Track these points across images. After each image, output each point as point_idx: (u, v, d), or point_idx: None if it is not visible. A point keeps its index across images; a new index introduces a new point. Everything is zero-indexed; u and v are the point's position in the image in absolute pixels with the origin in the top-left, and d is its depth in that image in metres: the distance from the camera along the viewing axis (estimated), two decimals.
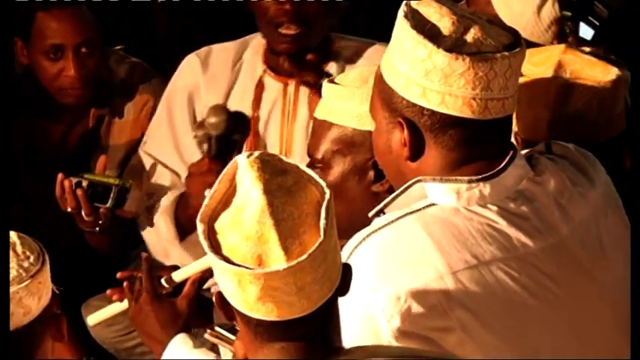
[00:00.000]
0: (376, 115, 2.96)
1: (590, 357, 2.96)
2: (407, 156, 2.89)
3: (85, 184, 3.97)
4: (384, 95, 2.91)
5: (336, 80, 3.30)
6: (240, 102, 4.20)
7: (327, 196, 2.50)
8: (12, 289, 2.85)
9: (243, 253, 2.47)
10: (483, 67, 2.82)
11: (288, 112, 4.11)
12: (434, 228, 2.82)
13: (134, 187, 4.11)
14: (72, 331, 3.94)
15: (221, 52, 4.36)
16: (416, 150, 2.88)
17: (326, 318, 2.56)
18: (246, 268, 2.46)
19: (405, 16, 2.84)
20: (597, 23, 4.13)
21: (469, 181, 2.85)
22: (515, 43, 2.88)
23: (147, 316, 3.24)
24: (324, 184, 2.54)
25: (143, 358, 3.99)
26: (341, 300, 2.78)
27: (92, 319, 3.62)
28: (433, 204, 2.86)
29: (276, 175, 2.51)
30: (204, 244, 2.51)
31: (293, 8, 4.05)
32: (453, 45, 2.82)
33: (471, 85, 2.82)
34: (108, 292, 3.56)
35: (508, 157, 2.88)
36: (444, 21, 2.85)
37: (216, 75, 4.31)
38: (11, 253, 2.90)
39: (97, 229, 3.98)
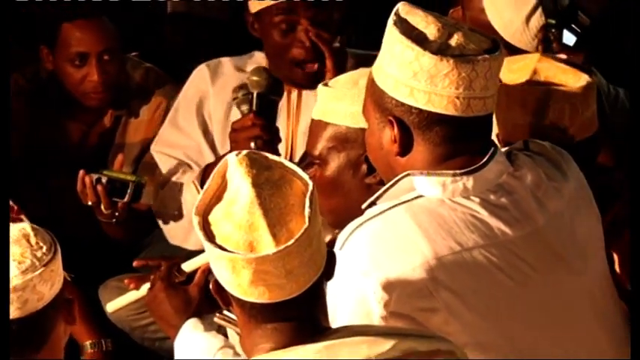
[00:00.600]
0: (369, 116, 2.99)
1: (562, 335, 2.97)
2: (397, 152, 2.92)
3: (104, 180, 3.97)
4: (375, 97, 2.94)
5: (329, 84, 3.33)
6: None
7: (310, 187, 2.54)
8: (26, 277, 2.87)
9: (236, 241, 2.51)
10: (466, 68, 2.85)
11: (292, 116, 4.12)
12: (421, 217, 2.85)
13: (148, 183, 4.13)
14: (89, 312, 4.01)
15: (229, 64, 4.33)
16: (405, 146, 2.91)
17: (313, 300, 2.60)
18: (239, 254, 2.51)
19: (395, 24, 2.88)
20: (579, 31, 4.12)
21: (453, 175, 2.87)
22: (495, 48, 2.91)
23: (161, 302, 3.23)
24: (306, 177, 2.58)
25: (155, 336, 3.99)
26: (336, 285, 2.83)
27: (111, 307, 3.64)
28: (421, 196, 2.89)
29: (263, 170, 2.55)
30: (200, 234, 2.55)
31: (313, 47, 4.05)
32: (438, 48, 2.84)
33: (455, 84, 2.84)
34: (125, 281, 3.57)
35: (489, 153, 2.91)
36: (430, 28, 2.87)
37: (224, 85, 4.28)
38: (25, 244, 2.92)
39: (114, 220, 3.99)
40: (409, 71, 2.87)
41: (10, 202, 4.09)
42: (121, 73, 4.41)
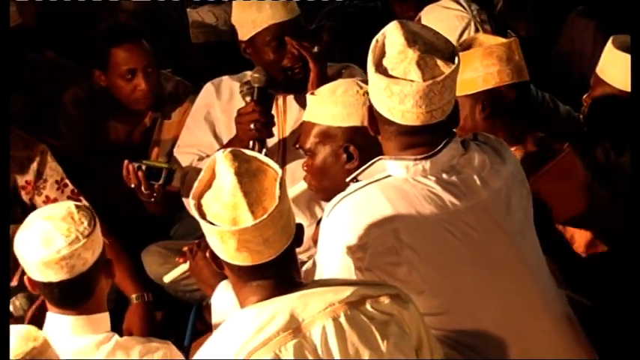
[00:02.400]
0: (370, 122, 3.03)
1: (497, 280, 3.01)
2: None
3: (144, 167, 3.96)
4: (370, 109, 3.01)
5: (315, 93, 3.38)
6: None
7: (280, 174, 2.63)
8: (72, 247, 2.90)
9: (223, 218, 2.60)
10: (435, 87, 2.88)
11: (280, 116, 4.12)
12: (389, 192, 2.93)
13: (178, 170, 4.13)
14: (135, 272, 4.03)
15: (228, 81, 4.29)
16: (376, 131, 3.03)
17: (287, 262, 2.68)
18: (225, 227, 2.60)
19: (376, 71, 2.89)
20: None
21: (415, 159, 2.94)
22: (453, 59, 2.92)
23: (201, 269, 3.24)
24: (277, 167, 2.66)
25: (186, 289, 4.01)
26: (322, 246, 3.01)
27: (167, 278, 3.66)
28: (389, 175, 2.96)
29: (243, 163, 2.63)
30: (196, 213, 2.64)
31: (299, 55, 4.02)
32: (405, 77, 2.87)
33: (424, 102, 2.87)
34: (177, 259, 3.59)
35: (444, 142, 2.95)
36: (402, 60, 2.88)
37: (226, 98, 4.26)
38: (70, 220, 2.95)
39: (152, 199, 4.00)
40: (377, 92, 2.93)
41: (71, 186, 4.13)
42: (158, 84, 4.41)
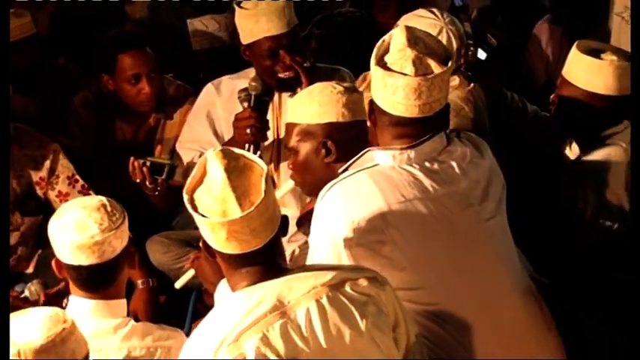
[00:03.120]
0: (369, 113, 3.08)
1: (471, 259, 3.04)
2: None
3: (148, 163, 3.96)
4: (370, 102, 3.05)
5: (294, 97, 3.43)
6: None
7: (266, 170, 2.64)
8: (104, 235, 2.95)
9: (213, 210, 2.62)
10: (427, 84, 2.92)
11: (276, 112, 4.10)
12: (377, 178, 2.96)
13: (180, 166, 4.13)
14: (140, 259, 4.03)
15: (228, 80, 4.28)
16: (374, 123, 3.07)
17: (273, 250, 2.69)
18: (215, 219, 2.62)
19: (376, 64, 2.95)
20: (489, 49, 4.12)
21: (401, 149, 2.98)
22: (447, 62, 2.96)
23: (205, 269, 3.20)
24: (263, 164, 2.68)
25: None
26: (316, 226, 3.02)
27: (178, 284, 3.62)
28: (377, 164, 3.00)
29: (232, 160, 2.65)
30: (189, 206, 2.65)
31: (291, 65, 4.00)
32: (401, 71, 2.92)
33: (416, 96, 2.92)
34: (186, 266, 3.59)
35: (429, 135, 2.98)
36: (401, 58, 2.93)
37: (226, 96, 4.24)
38: (103, 211, 3.00)
39: (156, 193, 4.00)
40: (377, 85, 2.98)
41: (82, 181, 4.15)
42: (161, 88, 4.42)
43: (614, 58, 3.71)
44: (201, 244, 2.81)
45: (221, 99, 4.23)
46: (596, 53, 3.74)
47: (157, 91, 4.39)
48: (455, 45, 3.91)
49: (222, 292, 3.07)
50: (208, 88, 4.29)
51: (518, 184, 3.43)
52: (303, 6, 4.92)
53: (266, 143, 4.06)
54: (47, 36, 5.14)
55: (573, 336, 3.23)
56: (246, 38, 4.08)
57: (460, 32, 3.95)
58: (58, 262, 3.04)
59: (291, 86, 4.06)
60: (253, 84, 3.98)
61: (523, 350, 3.10)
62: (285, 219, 2.74)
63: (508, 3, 5.44)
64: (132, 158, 3.98)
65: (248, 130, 3.89)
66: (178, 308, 3.95)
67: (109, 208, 3.02)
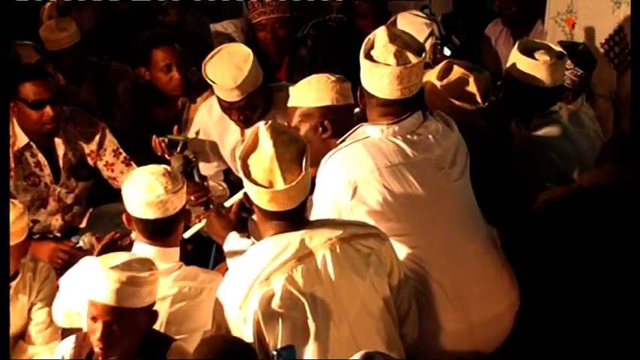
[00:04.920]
0: (360, 97, 3.09)
1: (443, 211, 3.04)
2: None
3: (166, 140, 3.93)
4: (360, 88, 3.06)
5: (296, 85, 3.36)
6: (233, 131, 4.01)
7: (307, 147, 2.69)
8: (168, 195, 2.94)
9: (261, 179, 2.66)
10: (406, 72, 2.94)
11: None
12: (369, 147, 2.97)
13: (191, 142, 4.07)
14: None
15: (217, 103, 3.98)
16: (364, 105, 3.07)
17: (301, 209, 2.74)
18: (263, 187, 2.66)
19: (365, 57, 2.97)
20: (453, 47, 4.10)
21: (387, 124, 2.99)
22: (420, 54, 2.98)
23: (215, 224, 3.16)
24: (305, 141, 2.72)
25: None
26: (319, 188, 3.00)
27: (187, 234, 3.46)
28: (368, 136, 3.00)
29: (279, 135, 2.68)
30: (242, 172, 2.67)
31: (243, 118, 3.82)
32: (385, 62, 2.94)
33: (397, 81, 2.95)
34: (194, 219, 3.48)
35: (408, 113, 3.00)
36: (384, 52, 2.95)
37: (216, 117, 4.01)
38: (168, 176, 2.98)
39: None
40: (375, 76, 2.98)
41: (124, 153, 4.11)
42: (187, 77, 4.35)
43: (547, 58, 3.67)
44: (244, 198, 2.86)
45: (212, 119, 4.09)
46: (532, 52, 3.70)
47: (185, 79, 4.34)
48: (430, 41, 3.92)
49: (229, 243, 3.08)
50: (202, 110, 4.14)
51: (479, 156, 3.42)
52: (301, 10, 4.93)
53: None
54: (94, 34, 5.09)
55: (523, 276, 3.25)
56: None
57: (436, 32, 3.97)
58: (128, 215, 3.04)
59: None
60: (175, 164, 3.77)
61: (485, 284, 3.11)
62: (312, 184, 2.77)
63: (466, 11, 5.43)
64: (154, 136, 3.95)
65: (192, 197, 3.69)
66: (202, 255, 3.86)
67: (172, 175, 3.01)
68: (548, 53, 3.70)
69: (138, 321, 2.71)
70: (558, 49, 3.78)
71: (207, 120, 4.10)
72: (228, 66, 3.76)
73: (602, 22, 4.45)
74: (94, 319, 2.69)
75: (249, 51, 3.79)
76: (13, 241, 3.14)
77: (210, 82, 3.78)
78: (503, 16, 5.06)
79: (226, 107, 3.83)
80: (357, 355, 2.31)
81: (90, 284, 2.70)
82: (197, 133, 4.08)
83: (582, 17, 4.54)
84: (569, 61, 3.88)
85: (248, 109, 3.80)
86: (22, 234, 3.23)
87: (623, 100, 4.48)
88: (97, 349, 2.70)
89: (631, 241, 3.09)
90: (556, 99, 3.75)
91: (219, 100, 3.83)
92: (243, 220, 3.19)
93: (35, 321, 3.38)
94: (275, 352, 2.48)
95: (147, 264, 2.76)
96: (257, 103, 3.82)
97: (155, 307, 2.82)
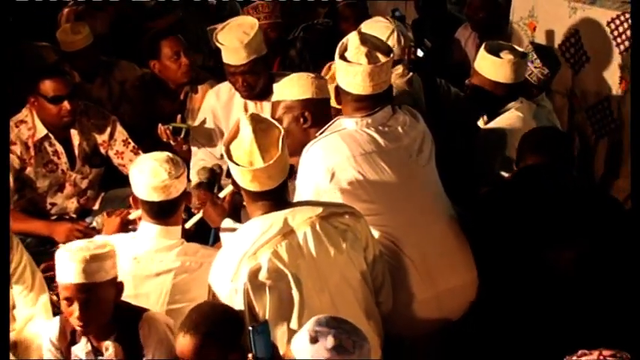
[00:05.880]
0: (335, 95, 3.09)
1: (412, 194, 3.04)
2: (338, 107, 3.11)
3: (170, 128, 3.90)
4: (336, 86, 3.06)
5: (279, 82, 3.36)
6: (237, 113, 3.94)
7: (282, 132, 2.67)
8: (171, 180, 2.93)
9: (243, 160, 2.66)
10: (377, 70, 2.95)
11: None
12: (345, 137, 2.99)
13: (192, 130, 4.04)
14: None
15: (225, 87, 4.04)
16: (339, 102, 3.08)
17: (282, 189, 2.72)
18: (244, 167, 2.65)
19: (340, 58, 3.00)
20: (425, 49, 4.09)
21: (361, 117, 3.01)
22: (389, 54, 3.01)
23: (211, 212, 3.14)
24: (281, 127, 2.70)
25: None
26: (301, 173, 2.99)
27: (188, 224, 3.40)
28: (345, 128, 3.02)
29: (258, 123, 2.67)
30: (225, 155, 2.67)
31: (247, 85, 3.84)
32: (359, 61, 2.96)
33: (369, 79, 2.97)
34: (193, 210, 3.36)
35: (379, 107, 3.01)
36: (357, 53, 2.98)
37: (224, 100, 4.04)
38: (171, 162, 2.97)
39: (179, 148, 3.91)
40: (348, 75, 3.00)
41: (133, 143, 4.08)
42: (194, 63, 4.33)
43: (511, 57, 3.69)
44: (231, 181, 2.83)
45: (220, 103, 4.06)
46: (497, 52, 3.71)
47: (192, 64, 4.31)
48: (403, 42, 3.87)
49: (226, 225, 3.07)
50: (210, 95, 4.12)
51: (446, 146, 3.43)
52: (292, 16, 4.91)
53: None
54: (109, 36, 5.09)
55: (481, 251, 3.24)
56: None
57: (406, 34, 3.93)
58: (134, 197, 3.03)
59: (263, 95, 3.91)
60: (202, 176, 3.70)
61: (449, 257, 3.12)
62: (292, 168, 2.76)
63: (431, 16, 5.43)
64: (159, 124, 3.93)
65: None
66: (204, 234, 3.82)
67: (174, 161, 3.00)
68: (512, 53, 3.71)
69: (107, 294, 2.71)
70: (521, 49, 3.80)
71: (215, 103, 4.06)
72: (237, 31, 3.80)
73: (559, 26, 4.48)
74: (69, 300, 2.68)
75: (255, 21, 3.86)
76: None
77: (220, 46, 3.80)
78: (472, 21, 5.08)
79: (232, 73, 3.83)
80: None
81: (59, 271, 2.69)
82: (204, 121, 4.05)
83: (542, 21, 4.58)
84: (538, 61, 3.90)
85: (251, 74, 3.80)
86: None
87: (578, 96, 4.52)
88: (77, 328, 2.71)
89: (566, 215, 3.12)
90: (518, 94, 3.75)
91: (226, 66, 3.84)
92: (236, 209, 3.18)
93: (18, 289, 3.22)
94: (251, 328, 2.47)
95: (101, 244, 2.76)
96: (260, 71, 3.83)
97: (160, 279, 2.85)
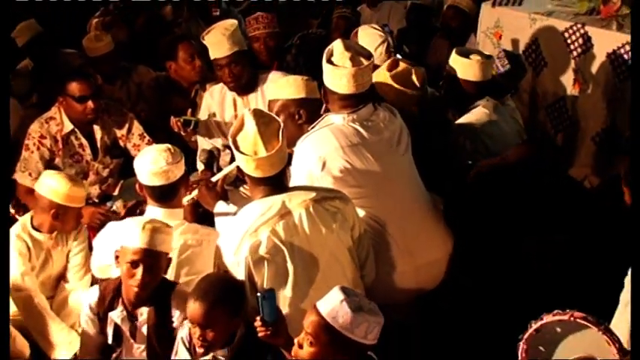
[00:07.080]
0: (323, 95, 3.05)
1: (393, 181, 3.02)
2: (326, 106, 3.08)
3: (181, 120, 3.87)
4: (323, 87, 3.03)
5: (276, 83, 3.35)
6: (229, 107, 3.96)
7: (282, 125, 2.67)
8: (170, 166, 2.90)
9: (248, 150, 2.65)
10: (360, 72, 2.94)
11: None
12: (334, 130, 2.98)
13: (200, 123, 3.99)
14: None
15: (217, 88, 4.01)
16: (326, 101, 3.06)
17: (281, 175, 2.71)
18: (249, 156, 2.65)
19: (327, 62, 2.97)
20: (404, 54, 4.07)
21: (348, 113, 2.99)
22: (369, 58, 3.00)
23: (205, 195, 3.08)
24: (280, 120, 2.70)
25: None
26: (295, 163, 2.96)
27: (184, 200, 3.30)
28: (333, 123, 3.01)
29: (260, 117, 2.68)
30: (232, 146, 2.65)
31: (233, 76, 3.82)
32: (343, 65, 2.95)
33: (353, 80, 2.96)
34: (187, 191, 3.19)
35: (362, 104, 2.99)
36: (342, 58, 2.95)
37: (217, 100, 4.00)
38: (170, 151, 2.95)
39: (189, 138, 3.93)
40: (328, 75, 2.99)
41: (148, 137, 4.03)
42: (205, 64, 4.27)
43: (478, 57, 3.70)
44: (237, 170, 2.84)
45: (214, 102, 4.03)
46: (467, 54, 3.73)
47: (205, 64, 4.28)
48: (390, 48, 3.86)
49: (218, 210, 3.03)
50: (206, 96, 4.09)
51: (422, 139, 3.41)
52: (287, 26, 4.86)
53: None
54: (128, 43, 5.07)
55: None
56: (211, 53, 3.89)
57: (390, 42, 3.92)
58: (139, 184, 3.03)
59: (249, 88, 3.90)
60: (202, 156, 3.81)
61: (426, 234, 3.11)
62: (290, 156, 2.75)
63: (417, 26, 5.43)
64: (172, 117, 3.92)
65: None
66: (208, 217, 3.87)
67: (172, 150, 2.99)
68: (479, 55, 3.75)
69: (164, 264, 2.73)
70: (487, 53, 3.86)
71: (211, 102, 4.04)
72: (219, 29, 3.82)
73: (521, 35, 4.48)
74: (134, 264, 2.67)
75: (235, 21, 3.88)
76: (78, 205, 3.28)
77: (207, 44, 3.81)
78: (446, 30, 5.08)
79: (219, 66, 3.82)
80: (336, 289, 2.31)
81: (129, 236, 2.69)
82: (213, 114, 4.02)
83: (507, 31, 4.57)
84: (509, 66, 3.98)
85: (236, 64, 3.79)
86: (82, 201, 3.34)
87: (539, 95, 4.52)
88: (135, 290, 2.68)
89: (542, 202, 3.14)
90: (485, 93, 3.75)
91: (214, 62, 3.82)
92: (227, 192, 3.18)
93: (72, 264, 3.40)
94: (259, 294, 2.48)
95: (163, 222, 2.78)
96: (244, 63, 3.83)
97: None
